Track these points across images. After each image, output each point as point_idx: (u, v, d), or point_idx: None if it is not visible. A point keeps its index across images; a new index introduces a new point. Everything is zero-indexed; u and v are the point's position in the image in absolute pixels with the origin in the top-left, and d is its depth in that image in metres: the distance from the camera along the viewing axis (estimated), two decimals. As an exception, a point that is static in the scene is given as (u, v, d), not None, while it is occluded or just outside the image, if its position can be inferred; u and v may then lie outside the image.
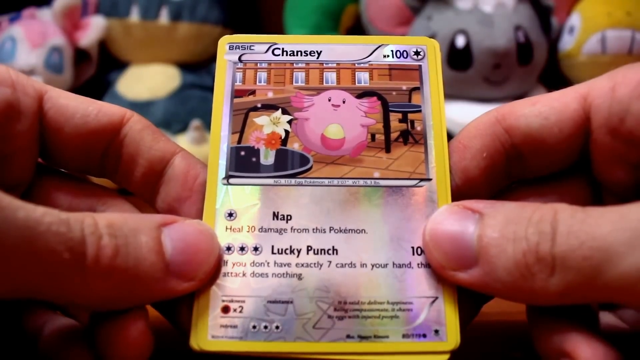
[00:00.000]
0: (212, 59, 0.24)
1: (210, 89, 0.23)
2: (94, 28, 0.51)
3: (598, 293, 0.18)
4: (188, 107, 0.50)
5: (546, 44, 0.49)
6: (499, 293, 0.19)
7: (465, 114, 0.39)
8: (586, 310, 0.21)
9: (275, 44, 0.24)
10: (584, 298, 0.18)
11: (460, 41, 0.46)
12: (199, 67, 0.54)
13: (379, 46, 0.24)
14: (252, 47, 0.24)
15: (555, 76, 0.51)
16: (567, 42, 0.49)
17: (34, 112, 0.22)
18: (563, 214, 0.18)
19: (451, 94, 0.48)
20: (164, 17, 0.52)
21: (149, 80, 0.52)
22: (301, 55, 0.24)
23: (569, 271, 0.17)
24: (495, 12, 0.47)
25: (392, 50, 0.24)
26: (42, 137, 0.22)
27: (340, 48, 0.24)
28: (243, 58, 0.24)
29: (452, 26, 0.46)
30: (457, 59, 0.46)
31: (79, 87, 0.52)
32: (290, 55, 0.24)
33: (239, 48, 0.24)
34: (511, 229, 0.19)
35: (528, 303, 0.20)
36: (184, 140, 0.48)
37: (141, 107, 0.50)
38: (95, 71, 0.53)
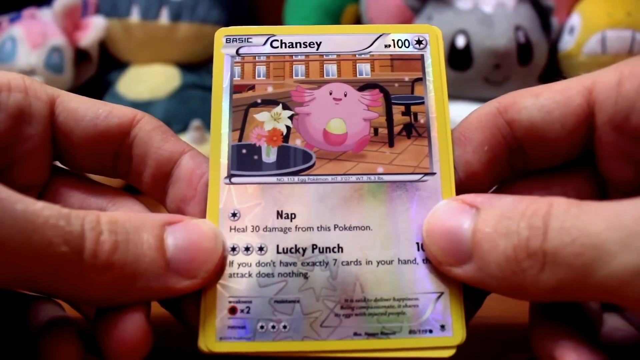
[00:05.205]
0: (212, 59, 0.24)
1: (210, 89, 0.23)
2: (94, 28, 0.51)
3: (590, 291, 0.17)
4: (188, 107, 0.50)
5: (546, 44, 0.49)
6: (493, 289, 0.19)
7: (465, 115, 0.39)
8: (584, 315, 0.20)
9: (274, 35, 0.24)
10: (577, 296, 0.18)
11: (461, 41, 0.46)
12: (199, 67, 0.54)
13: (380, 35, 0.24)
14: (249, 40, 0.24)
15: (556, 76, 0.51)
16: (567, 42, 0.49)
17: (46, 116, 0.22)
18: (557, 208, 0.18)
19: (451, 94, 0.46)
20: (164, 17, 0.52)
21: (149, 80, 0.52)
22: (300, 46, 0.23)
23: (560, 268, 0.17)
24: (495, 12, 0.47)
25: (393, 40, 0.24)
26: (55, 140, 0.23)
27: (340, 38, 0.24)
28: (241, 51, 0.23)
29: (452, 26, 0.46)
30: (457, 59, 0.46)
31: (79, 88, 0.52)
32: (289, 47, 0.23)
33: (236, 41, 0.24)
34: (504, 223, 0.18)
35: (521, 299, 0.20)
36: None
37: (141, 108, 0.48)
38: (96, 71, 0.53)
